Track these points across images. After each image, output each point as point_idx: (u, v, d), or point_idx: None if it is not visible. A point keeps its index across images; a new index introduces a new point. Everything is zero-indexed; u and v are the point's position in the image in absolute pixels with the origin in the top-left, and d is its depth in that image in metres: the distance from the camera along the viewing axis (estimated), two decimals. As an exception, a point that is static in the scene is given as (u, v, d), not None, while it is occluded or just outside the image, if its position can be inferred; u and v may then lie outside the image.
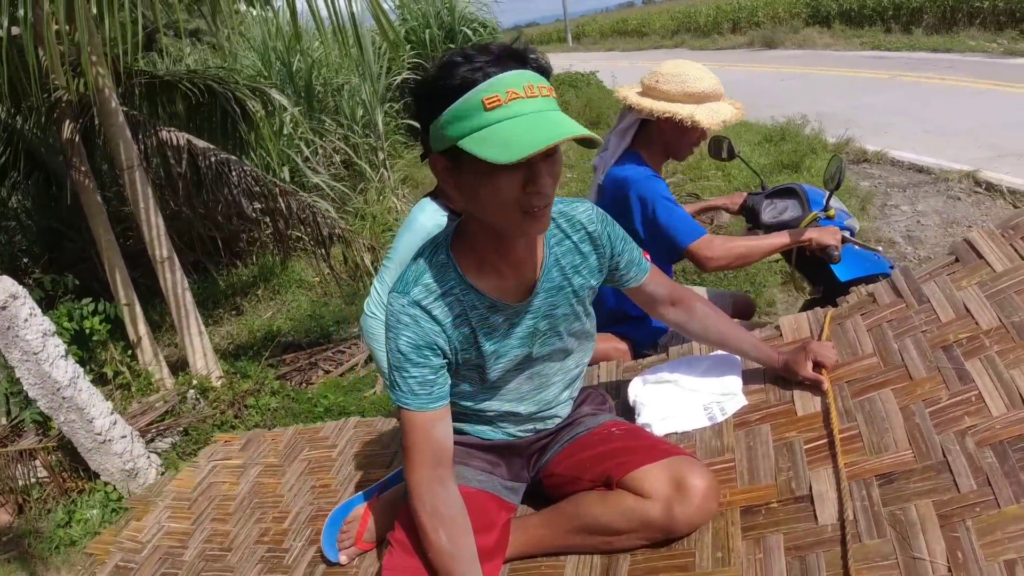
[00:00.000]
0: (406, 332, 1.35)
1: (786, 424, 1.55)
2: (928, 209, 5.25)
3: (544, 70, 1.20)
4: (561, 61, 13.68)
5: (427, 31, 10.17)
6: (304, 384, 4.26)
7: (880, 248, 1.97)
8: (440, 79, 1.16)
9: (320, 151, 7.50)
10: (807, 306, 2.20)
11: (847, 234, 2.00)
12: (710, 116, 1.96)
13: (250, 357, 4.55)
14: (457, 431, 1.59)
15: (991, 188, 5.36)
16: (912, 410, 1.42)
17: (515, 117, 1.12)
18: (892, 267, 2.09)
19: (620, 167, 2.09)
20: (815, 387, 1.59)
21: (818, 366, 1.59)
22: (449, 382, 1.42)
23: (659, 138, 2.06)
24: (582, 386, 1.71)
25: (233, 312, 5.88)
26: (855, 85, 10.33)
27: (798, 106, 8.19)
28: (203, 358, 4.00)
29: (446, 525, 1.33)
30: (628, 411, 1.82)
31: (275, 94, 5.59)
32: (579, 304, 1.50)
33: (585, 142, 1.15)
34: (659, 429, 1.69)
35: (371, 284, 4.06)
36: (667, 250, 2.05)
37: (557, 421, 1.63)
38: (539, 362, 1.52)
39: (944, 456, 1.31)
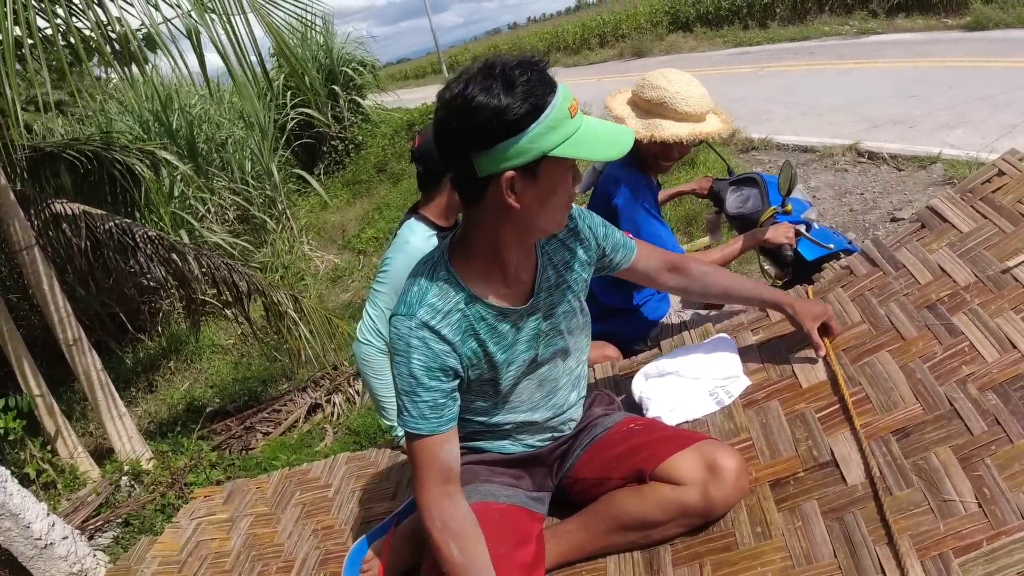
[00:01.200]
0: (416, 356, 1.34)
1: (793, 397, 1.63)
2: (821, 184, 5.64)
3: None
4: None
5: (306, 76, 10.11)
6: (244, 451, 4.08)
7: (829, 246, 2.07)
8: (517, 99, 1.19)
9: (212, 209, 7.27)
10: (778, 284, 2.31)
11: (802, 228, 2.12)
12: (691, 134, 2.00)
13: (177, 432, 4.33)
14: (477, 449, 1.59)
15: (873, 156, 5.83)
16: (912, 368, 1.52)
17: (585, 123, 1.27)
18: (851, 243, 2.23)
19: (616, 169, 2.15)
20: (811, 348, 1.67)
21: (824, 329, 1.66)
22: (459, 404, 1.43)
23: (645, 151, 2.11)
24: (586, 388, 1.74)
25: (147, 389, 5.59)
26: (727, 81, 10.88)
27: None
28: (128, 441, 3.82)
29: (456, 538, 1.34)
30: (634, 408, 1.85)
31: (163, 152, 5.39)
32: (575, 299, 1.54)
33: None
34: (670, 420, 1.73)
35: (299, 336, 3.91)
36: None
37: (573, 424, 1.65)
38: (545, 365, 1.54)
39: (951, 405, 1.41)
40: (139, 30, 3.81)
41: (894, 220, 4.60)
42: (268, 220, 7.54)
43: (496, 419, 1.54)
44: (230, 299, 4.13)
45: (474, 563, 1.33)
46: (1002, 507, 1.22)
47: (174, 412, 4.90)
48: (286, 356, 5.07)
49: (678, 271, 1.71)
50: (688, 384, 1.79)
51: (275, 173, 7.86)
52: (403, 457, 2.16)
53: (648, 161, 2.14)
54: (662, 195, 2.63)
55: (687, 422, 1.73)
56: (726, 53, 14.74)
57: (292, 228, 7.85)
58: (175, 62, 3.34)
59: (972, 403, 1.39)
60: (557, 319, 1.50)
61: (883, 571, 1.24)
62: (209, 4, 3.27)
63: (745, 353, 1.81)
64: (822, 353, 1.64)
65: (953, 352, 1.49)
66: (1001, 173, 1.70)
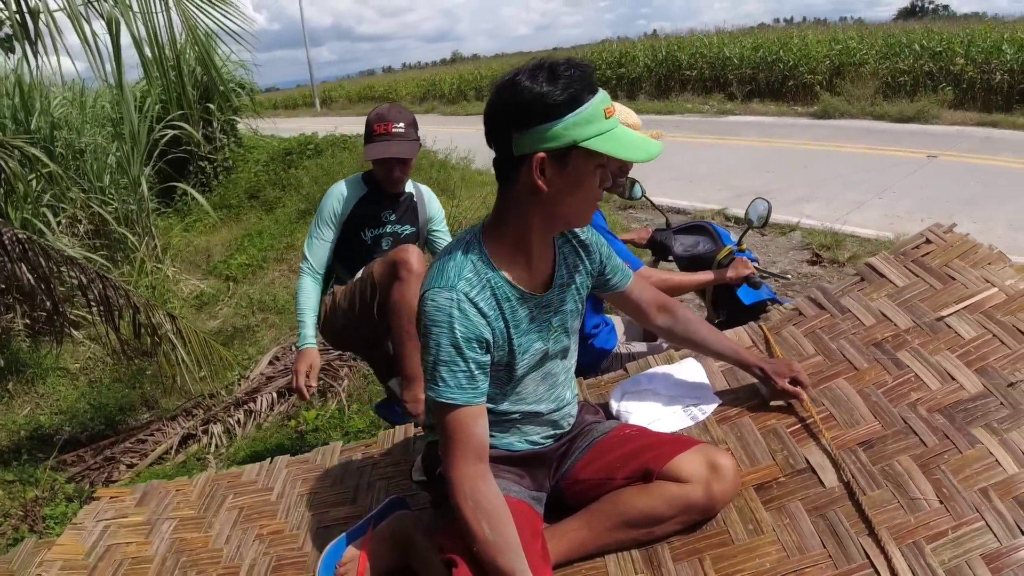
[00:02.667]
0: (458, 325, 1.40)
1: (763, 415, 1.83)
2: (695, 242, 6.30)
3: None
4: (320, 125, 13.80)
5: (184, 88, 9.49)
6: (108, 483, 3.69)
7: (786, 276, 2.38)
8: (559, 89, 1.32)
9: (64, 221, 6.57)
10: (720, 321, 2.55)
11: (756, 264, 2.40)
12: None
13: (24, 461, 3.85)
14: None
15: (739, 221, 6.49)
16: (867, 392, 1.78)
17: (618, 127, 1.40)
18: (774, 294, 2.53)
19: None
20: (792, 399, 1.79)
21: (795, 383, 1.78)
22: (488, 380, 1.48)
23: None
24: None
25: (-22, 412, 4.85)
26: None
27: None
28: (-36, 471, 3.26)
29: (489, 518, 1.37)
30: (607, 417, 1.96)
31: (31, 149, 4.78)
32: (580, 302, 1.66)
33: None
34: (649, 431, 1.86)
35: (176, 360, 3.55)
36: None
37: (571, 420, 1.73)
38: (550, 360, 1.62)
39: (906, 423, 1.67)
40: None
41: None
42: (129, 236, 6.90)
43: (504, 406, 1.59)
44: (100, 315, 3.71)
45: (508, 542, 1.36)
46: (960, 503, 1.48)
47: (15, 439, 4.31)
48: (149, 383, 4.70)
49: (667, 312, 1.84)
50: (664, 400, 1.93)
51: (144, 186, 7.25)
52: (355, 459, 2.09)
53: None
54: None
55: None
56: None
57: (156, 247, 7.23)
58: (47, 57, 3.10)
59: (923, 421, 1.66)
60: (565, 316, 1.61)
61: (869, 558, 1.44)
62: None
63: (712, 376, 1.99)
64: (803, 400, 1.77)
65: (901, 381, 1.77)
66: (928, 241, 2.07)
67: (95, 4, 3.11)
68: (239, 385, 4.62)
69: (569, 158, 1.36)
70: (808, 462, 1.67)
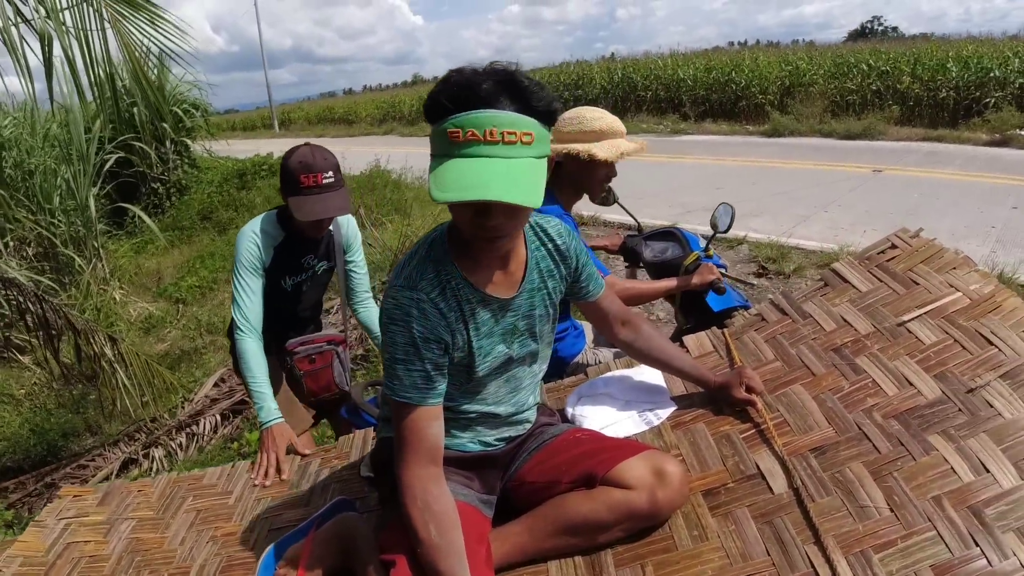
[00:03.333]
0: (416, 324, 1.39)
1: (718, 420, 1.79)
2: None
3: (541, 112, 1.27)
4: (277, 146, 13.82)
5: (135, 109, 9.30)
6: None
7: (751, 281, 2.36)
8: (437, 92, 1.26)
9: (11, 243, 6.59)
10: (679, 334, 2.52)
11: (722, 271, 2.37)
12: (608, 150, 2.18)
13: None
14: None
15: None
16: (823, 398, 1.74)
17: (463, 158, 1.22)
18: (747, 301, 2.50)
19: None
20: (746, 405, 1.77)
21: (749, 390, 1.78)
22: (446, 381, 1.47)
23: (568, 179, 2.28)
24: None
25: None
26: None
27: None
28: None
29: (437, 521, 1.35)
30: (567, 424, 1.94)
31: None
32: (551, 307, 1.62)
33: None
34: (604, 436, 1.83)
35: (116, 383, 3.44)
36: None
37: (528, 426, 1.71)
38: (515, 364, 1.60)
39: (860, 428, 1.63)
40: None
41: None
42: (77, 259, 6.91)
43: (463, 406, 1.57)
44: (40, 339, 3.58)
45: (452, 547, 1.34)
46: (911, 511, 1.43)
47: (-48, 466, 4.29)
48: (92, 408, 4.57)
49: (630, 326, 1.81)
50: (619, 404, 1.91)
51: (91, 207, 7.24)
52: (313, 464, 2.08)
53: (582, 190, 2.30)
54: None
55: (618, 438, 1.84)
56: None
57: (104, 269, 7.25)
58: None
59: (878, 428, 1.61)
60: (533, 321, 1.58)
61: (813, 566, 1.40)
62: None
63: (669, 381, 1.96)
64: (757, 406, 1.75)
65: (859, 386, 1.73)
66: (894, 246, 2.02)
67: (31, 22, 3.03)
68: (183, 408, 4.49)
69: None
70: (758, 468, 1.63)
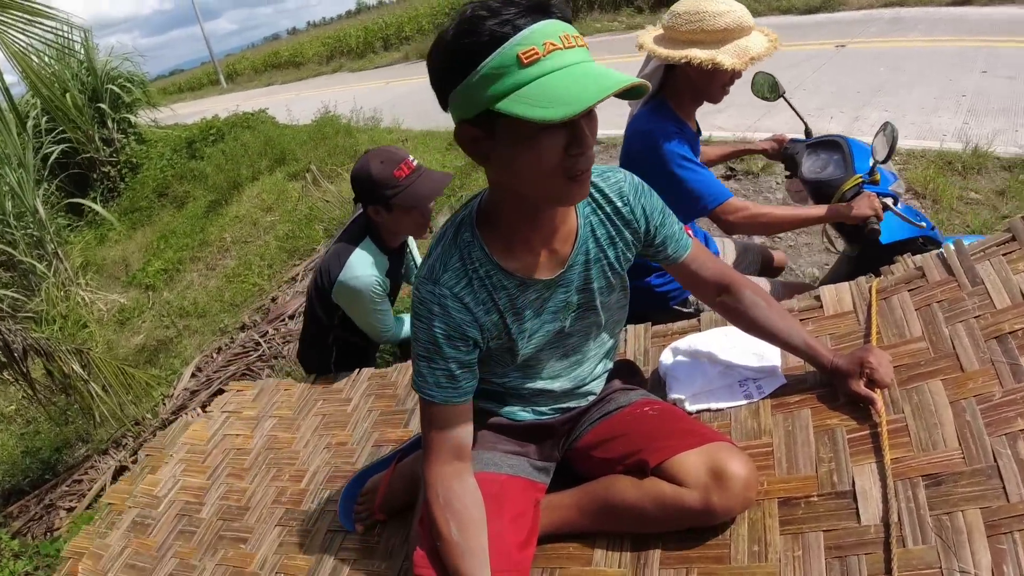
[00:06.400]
0: (438, 323, 1.28)
1: (827, 410, 1.50)
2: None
3: (570, 21, 1.09)
4: (223, 104, 13.16)
5: (67, 95, 8.84)
6: (48, 533, 3.54)
7: (924, 224, 1.83)
8: (464, 36, 1.04)
9: None
10: (843, 266, 2.11)
11: (890, 201, 1.88)
12: (735, 55, 1.80)
13: None
14: (488, 411, 1.54)
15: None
16: (962, 406, 1.36)
17: (559, 70, 1.03)
18: (934, 228, 1.98)
19: (644, 118, 1.95)
20: (864, 403, 1.46)
21: (871, 384, 1.46)
22: (476, 378, 1.37)
23: (686, 84, 1.91)
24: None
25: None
26: None
27: None
28: None
29: (457, 517, 1.31)
30: (657, 382, 1.76)
31: None
32: (615, 276, 1.42)
33: (634, 91, 1.05)
34: (691, 405, 1.64)
35: (90, 393, 3.36)
36: (688, 209, 1.94)
37: (591, 398, 1.58)
38: (573, 337, 1.46)
39: (995, 460, 1.26)
40: None
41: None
42: (37, 264, 6.76)
43: (514, 383, 1.49)
44: (8, 360, 3.38)
45: (471, 546, 1.30)
46: (1020, 593, 1.10)
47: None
48: (79, 416, 4.38)
49: (729, 293, 1.53)
50: (719, 370, 1.67)
51: (40, 210, 7.03)
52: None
53: (701, 97, 1.95)
54: (718, 150, 2.40)
55: (708, 410, 1.63)
56: None
57: (67, 270, 7.07)
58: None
59: (1018, 463, 1.23)
60: (592, 294, 1.40)
61: (873, 630, 1.16)
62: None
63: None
64: (879, 408, 1.43)
65: (1013, 399, 1.31)
66: None
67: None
68: (164, 406, 4.29)
69: (495, 126, 1.09)
70: (853, 485, 1.35)
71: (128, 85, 10.41)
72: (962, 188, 4.07)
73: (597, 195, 1.36)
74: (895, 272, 1.70)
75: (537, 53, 1.02)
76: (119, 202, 9.68)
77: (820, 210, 1.89)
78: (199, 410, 2.76)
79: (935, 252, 1.66)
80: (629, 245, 1.40)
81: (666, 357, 1.75)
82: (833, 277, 2.16)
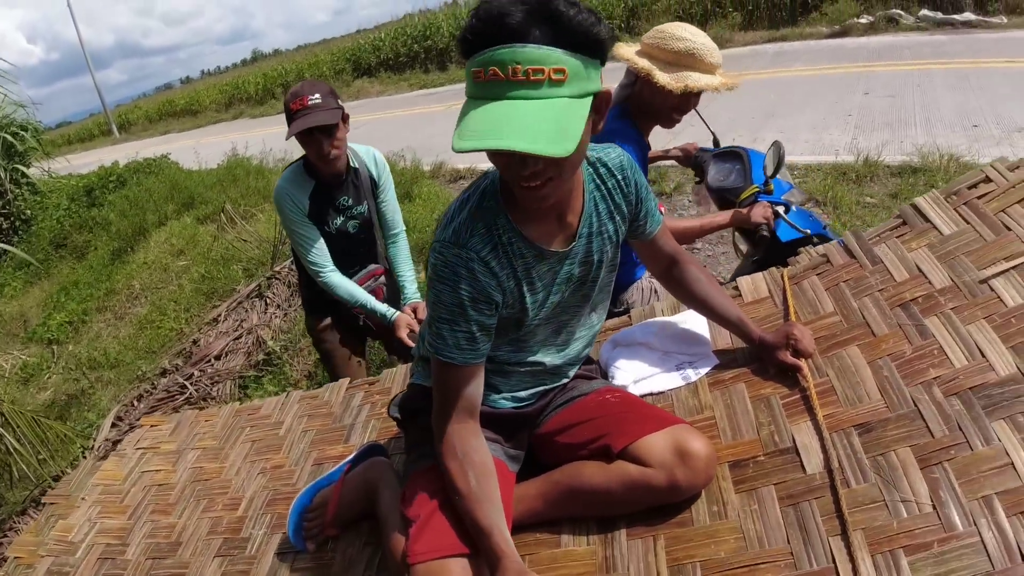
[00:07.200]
0: (464, 285, 1.32)
1: (759, 382, 1.64)
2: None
3: (580, 44, 1.10)
4: (118, 154, 13.10)
5: None
6: None
7: (808, 232, 2.07)
8: (464, 27, 1.11)
9: None
10: (747, 267, 2.31)
11: (781, 209, 2.11)
12: (672, 77, 1.95)
13: None
14: None
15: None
16: (879, 364, 1.54)
17: (484, 100, 1.09)
18: (825, 227, 2.23)
19: (609, 119, 2.10)
20: (792, 370, 1.60)
21: (796, 353, 1.61)
22: (491, 341, 1.42)
23: (639, 99, 2.07)
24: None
25: None
26: (422, 120, 11.70)
27: (381, 146, 8.74)
28: None
29: (476, 470, 1.34)
30: (600, 372, 1.85)
31: None
32: (612, 249, 1.50)
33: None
34: (635, 390, 1.73)
35: (6, 448, 3.21)
36: None
37: (566, 380, 1.64)
38: (568, 313, 1.52)
39: (915, 405, 1.43)
40: None
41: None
42: None
43: (508, 356, 1.53)
44: None
45: (491, 496, 1.33)
46: (955, 512, 1.25)
47: None
48: None
49: (679, 267, 1.67)
50: (657, 357, 1.79)
51: None
52: (355, 399, 2.13)
53: (652, 115, 2.09)
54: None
55: (651, 394, 1.73)
56: (415, 95, 16.07)
57: None
58: None
59: (935, 406, 1.41)
60: (591, 267, 1.47)
61: (834, 562, 1.28)
62: None
63: (715, 331, 1.81)
64: (804, 373, 1.58)
65: (922, 354, 1.51)
66: (988, 180, 1.70)
67: None
68: (84, 458, 3.71)
69: None
70: (794, 442, 1.48)
71: (22, 134, 9.99)
72: (858, 194, 4.56)
73: (601, 169, 1.44)
74: (801, 262, 1.90)
75: (480, 77, 1.09)
76: (12, 257, 9.18)
77: (724, 217, 2.11)
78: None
79: (836, 241, 1.88)
80: (624, 218, 1.50)
81: (606, 348, 1.85)
82: (739, 276, 2.36)
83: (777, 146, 2.12)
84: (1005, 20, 10.15)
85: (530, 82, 1.07)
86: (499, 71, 1.06)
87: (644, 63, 1.98)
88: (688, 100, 2.02)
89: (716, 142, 2.54)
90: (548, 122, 1.06)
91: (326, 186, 2.49)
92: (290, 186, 2.46)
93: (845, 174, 4.91)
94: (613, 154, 1.46)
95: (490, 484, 1.34)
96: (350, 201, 2.54)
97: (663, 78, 1.94)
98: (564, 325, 1.54)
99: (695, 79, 1.94)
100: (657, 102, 2.04)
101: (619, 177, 1.46)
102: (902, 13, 11.24)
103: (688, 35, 1.97)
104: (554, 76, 1.07)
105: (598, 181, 1.44)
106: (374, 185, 2.60)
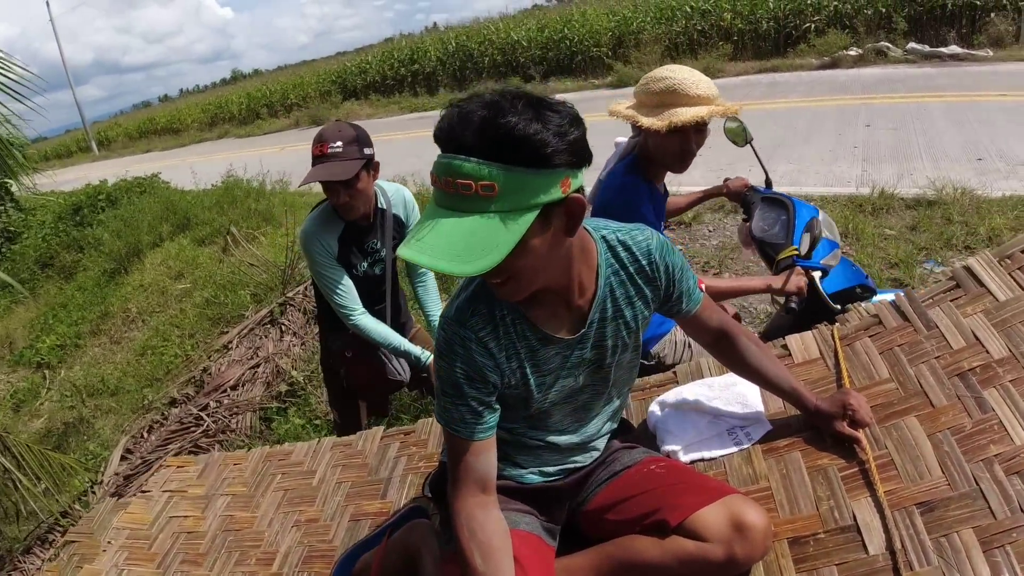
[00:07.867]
0: (460, 364, 1.33)
1: (815, 451, 1.61)
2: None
3: (521, 159, 1.09)
4: (105, 170, 12.88)
5: None
6: None
7: (839, 307, 2.04)
8: (436, 126, 1.13)
9: None
10: (782, 318, 2.28)
11: (817, 275, 2.09)
12: (658, 117, 1.90)
13: None
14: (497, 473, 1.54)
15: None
16: (939, 438, 1.51)
17: (431, 207, 1.14)
18: (867, 277, 2.21)
19: (619, 174, 2.08)
20: (849, 442, 1.57)
21: (854, 424, 1.57)
22: (499, 413, 1.40)
23: (645, 150, 2.04)
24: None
25: None
26: (416, 144, 11.30)
27: (388, 171, 8.75)
28: None
29: (482, 548, 1.31)
30: (644, 434, 1.82)
31: None
32: (629, 335, 1.47)
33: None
34: (685, 457, 1.71)
35: (17, 484, 3.11)
36: None
37: (596, 455, 1.61)
38: (584, 394, 1.50)
39: (977, 484, 1.41)
40: None
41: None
42: None
43: (524, 433, 1.51)
44: None
45: (497, 573, 1.30)
46: (1021, 601, 1.24)
47: None
48: None
49: (727, 340, 1.62)
50: (707, 420, 1.76)
51: None
52: (391, 450, 2.09)
53: (659, 162, 2.05)
54: (685, 199, 2.58)
55: (703, 460, 1.71)
56: (406, 118, 16.04)
57: None
58: None
59: (997, 485, 1.39)
60: (605, 351, 1.44)
61: (901, 652, 1.26)
62: None
63: (765, 395, 1.78)
64: (861, 443, 1.56)
65: (982, 428, 1.49)
66: (1046, 244, 1.69)
67: None
68: (94, 493, 3.89)
69: None
70: (855, 519, 1.46)
71: (8, 148, 9.47)
72: (876, 227, 4.55)
73: (623, 253, 1.41)
74: (850, 320, 1.88)
75: (434, 180, 1.13)
76: (-5, 276, 8.93)
77: (758, 283, 2.11)
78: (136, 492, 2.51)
79: (887, 300, 1.85)
80: (648, 302, 1.46)
81: (655, 410, 1.82)
82: (775, 328, 2.34)
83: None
84: (991, 53, 10.33)
85: (459, 195, 1.09)
86: (441, 181, 1.11)
87: (628, 112, 1.96)
88: (687, 138, 1.96)
89: (768, 182, 2.52)
90: (461, 238, 1.07)
91: (356, 228, 2.44)
92: (319, 229, 2.40)
93: (861, 206, 4.92)
94: (640, 237, 1.42)
95: (497, 560, 1.31)
96: (379, 244, 2.51)
97: (646, 120, 1.91)
98: (583, 406, 1.52)
99: (680, 113, 1.89)
100: (657, 148, 2.00)
101: (644, 262, 1.42)
102: (890, 46, 11.48)
103: (668, 73, 1.94)
104: (482, 192, 1.08)
105: (617, 266, 1.41)
106: (402, 226, 2.55)
